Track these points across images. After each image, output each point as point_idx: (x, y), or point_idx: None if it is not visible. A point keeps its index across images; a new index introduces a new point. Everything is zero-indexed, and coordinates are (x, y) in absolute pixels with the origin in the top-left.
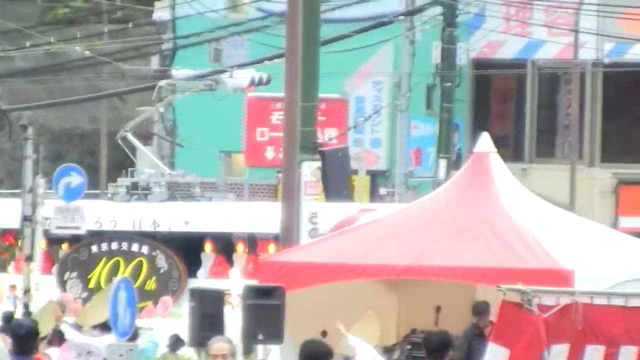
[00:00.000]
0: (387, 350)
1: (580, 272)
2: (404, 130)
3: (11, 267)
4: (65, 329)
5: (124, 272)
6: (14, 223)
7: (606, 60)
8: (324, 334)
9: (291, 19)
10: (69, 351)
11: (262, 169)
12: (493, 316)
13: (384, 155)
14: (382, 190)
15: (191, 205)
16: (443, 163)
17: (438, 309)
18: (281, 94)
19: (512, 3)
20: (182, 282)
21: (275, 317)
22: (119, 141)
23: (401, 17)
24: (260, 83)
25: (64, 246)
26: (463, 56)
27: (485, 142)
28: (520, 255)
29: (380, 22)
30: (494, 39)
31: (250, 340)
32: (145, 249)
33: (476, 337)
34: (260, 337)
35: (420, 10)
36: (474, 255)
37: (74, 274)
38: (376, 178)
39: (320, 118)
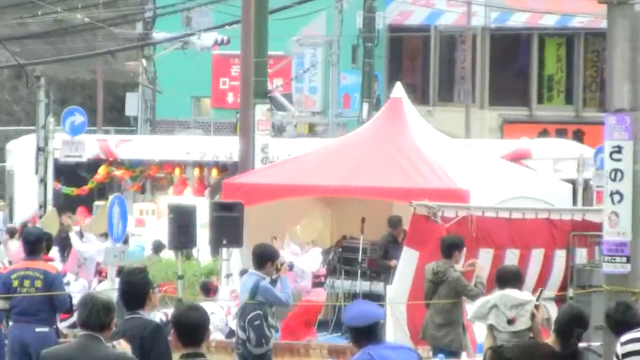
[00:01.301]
0: (325, 252)
1: (475, 191)
2: (335, 80)
3: (170, 190)
4: (72, 237)
5: None
6: (173, 156)
7: (492, 26)
8: (274, 239)
9: None
10: (74, 257)
11: (225, 110)
12: (405, 226)
13: (319, 100)
14: (319, 127)
15: None
16: (366, 106)
17: (363, 220)
18: (239, 52)
19: None
20: None
21: (235, 226)
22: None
23: None
24: (222, 43)
25: (214, 172)
26: (380, 22)
27: (398, 89)
28: (427, 178)
29: None
30: (405, 9)
31: (216, 244)
32: None
33: (391, 243)
34: (224, 242)
35: None
36: (391, 178)
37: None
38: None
39: (269, 70)
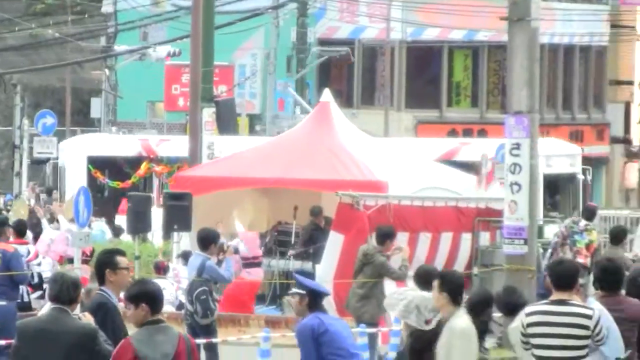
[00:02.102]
0: (262, 236)
1: (392, 182)
2: (272, 86)
3: None
4: (44, 223)
5: None
6: None
7: (408, 40)
8: (219, 224)
9: (195, 11)
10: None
11: (176, 113)
12: (328, 214)
13: (258, 104)
14: (258, 128)
15: None
16: (299, 109)
17: (295, 208)
18: (188, 62)
19: (344, 1)
20: None
21: (185, 213)
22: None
23: (270, 10)
24: (174, 55)
25: None
26: (312, 36)
27: (327, 95)
28: (352, 171)
29: (255, 13)
30: (332, 25)
31: (168, 229)
32: None
33: (314, 230)
34: (175, 227)
35: (282, 5)
36: (320, 171)
37: None
38: (253, 119)
39: (215, 78)
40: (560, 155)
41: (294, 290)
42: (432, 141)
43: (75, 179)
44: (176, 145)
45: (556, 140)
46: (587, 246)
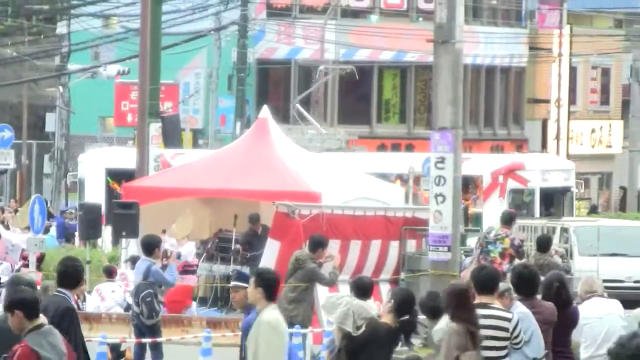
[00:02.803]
0: (204, 242)
1: (325, 193)
2: (214, 103)
3: None
4: (1, 229)
5: None
6: None
7: (341, 60)
8: (164, 231)
9: (143, 32)
10: (2, 245)
11: (125, 128)
12: (266, 222)
13: (201, 119)
14: (200, 142)
15: None
16: (239, 124)
17: (235, 217)
18: (137, 80)
19: (281, 24)
20: None
21: (133, 221)
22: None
23: (212, 32)
24: (123, 73)
25: None
26: (251, 57)
27: (265, 111)
28: (288, 182)
29: (199, 35)
30: (270, 46)
31: (118, 235)
32: None
33: (252, 236)
34: (124, 233)
35: (224, 27)
36: (258, 182)
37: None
38: (197, 134)
39: (161, 95)
40: (556, 170)
41: (236, 283)
42: (363, 155)
43: (94, 191)
44: (189, 158)
45: (552, 156)
46: (502, 254)
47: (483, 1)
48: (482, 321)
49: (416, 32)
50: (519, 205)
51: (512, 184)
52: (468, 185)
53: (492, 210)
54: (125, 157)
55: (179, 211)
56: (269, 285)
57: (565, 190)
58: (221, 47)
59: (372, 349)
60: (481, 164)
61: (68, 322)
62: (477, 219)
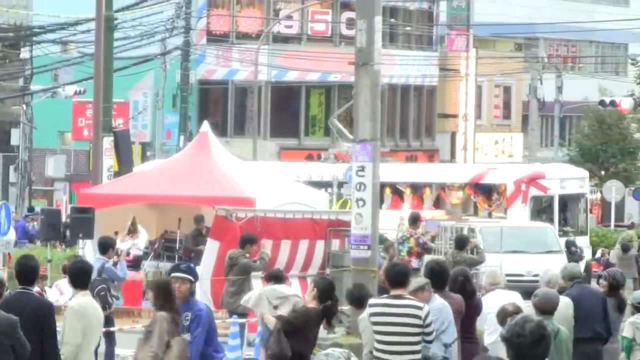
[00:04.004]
0: (152, 243)
1: (259, 198)
2: (161, 119)
3: None
4: None
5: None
6: None
7: (273, 80)
8: (116, 233)
9: (97, 56)
10: None
11: (82, 142)
12: (208, 223)
13: (149, 133)
14: (148, 154)
15: None
16: (182, 138)
17: (179, 219)
18: (92, 99)
19: (219, 49)
20: None
21: (89, 224)
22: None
23: (159, 56)
24: (80, 93)
25: None
26: (193, 78)
27: (205, 126)
28: (226, 189)
29: (147, 59)
30: (210, 68)
31: (75, 237)
32: None
33: (197, 236)
34: (80, 235)
35: (169, 52)
36: (199, 189)
37: None
38: (145, 146)
39: (113, 112)
40: (572, 179)
41: (184, 275)
42: (293, 164)
43: None
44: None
45: (568, 166)
46: (409, 252)
47: (398, 28)
48: (396, 310)
49: (339, 55)
50: (540, 210)
51: (533, 191)
52: (492, 192)
53: (515, 215)
54: None
55: (128, 215)
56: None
57: (580, 197)
58: (166, 69)
59: (305, 329)
60: (505, 173)
61: (53, 317)
62: None
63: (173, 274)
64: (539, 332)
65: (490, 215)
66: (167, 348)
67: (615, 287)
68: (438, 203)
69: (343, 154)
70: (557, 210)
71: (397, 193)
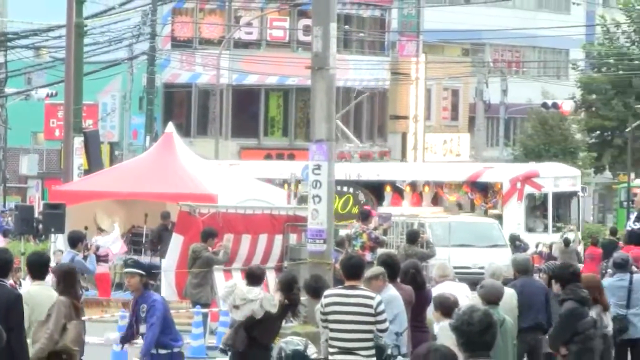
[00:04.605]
0: (122, 236)
1: (221, 195)
2: (128, 120)
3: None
4: None
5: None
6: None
7: (234, 84)
8: (86, 228)
9: (68, 61)
10: None
11: (54, 141)
12: (173, 219)
13: (117, 134)
14: (116, 153)
15: None
16: (148, 138)
17: (146, 215)
18: (63, 101)
19: (183, 54)
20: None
21: (60, 219)
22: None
23: (126, 61)
24: (52, 95)
25: (299, 187)
26: (159, 81)
27: (170, 127)
28: (189, 186)
29: (115, 63)
30: (175, 72)
31: (47, 231)
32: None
33: (163, 230)
34: (52, 230)
35: (135, 57)
36: (165, 186)
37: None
38: (113, 146)
39: (83, 114)
40: (565, 177)
41: (133, 270)
42: (253, 163)
43: None
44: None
45: (562, 165)
46: (362, 247)
47: (352, 34)
48: (350, 300)
49: (296, 60)
50: (534, 207)
51: (528, 189)
52: (488, 190)
53: (511, 211)
54: None
55: (98, 211)
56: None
57: (573, 194)
58: (133, 73)
59: (267, 321)
60: (501, 172)
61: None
62: (497, 220)
63: (124, 270)
64: (487, 320)
65: (486, 212)
66: (63, 331)
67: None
68: (436, 200)
69: (345, 153)
70: (551, 207)
71: (397, 191)
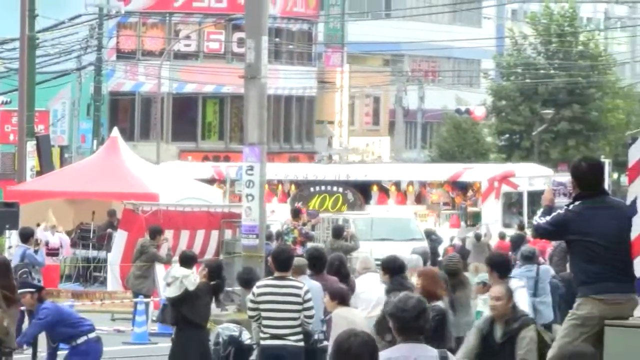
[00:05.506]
0: (69, 233)
1: (162, 194)
2: (77, 125)
3: None
4: None
5: (328, 203)
6: None
7: (174, 92)
8: (38, 225)
9: (21, 71)
10: None
11: (8, 145)
12: (119, 216)
13: (67, 138)
14: (66, 155)
15: None
16: (95, 142)
17: (93, 213)
18: (17, 108)
19: (128, 65)
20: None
21: (14, 217)
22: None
23: (75, 71)
24: (7, 103)
25: (293, 187)
26: (105, 89)
27: (115, 131)
28: (133, 186)
29: (64, 73)
30: (120, 81)
31: (2, 228)
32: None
33: (108, 227)
34: (7, 226)
35: (84, 67)
36: (110, 186)
37: (300, 203)
38: (63, 149)
39: (36, 120)
40: (539, 177)
41: (23, 290)
42: (193, 164)
43: None
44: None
45: (536, 165)
46: (294, 241)
47: (282, 46)
48: (280, 290)
49: (231, 70)
50: (511, 204)
51: (505, 188)
52: (468, 189)
53: (489, 209)
54: (188, 169)
55: (48, 209)
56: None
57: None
58: (81, 82)
59: (191, 299)
60: (480, 172)
61: None
62: (476, 217)
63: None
64: (420, 306)
65: (466, 209)
66: None
67: (454, 271)
68: (420, 199)
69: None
70: (526, 204)
71: (383, 190)
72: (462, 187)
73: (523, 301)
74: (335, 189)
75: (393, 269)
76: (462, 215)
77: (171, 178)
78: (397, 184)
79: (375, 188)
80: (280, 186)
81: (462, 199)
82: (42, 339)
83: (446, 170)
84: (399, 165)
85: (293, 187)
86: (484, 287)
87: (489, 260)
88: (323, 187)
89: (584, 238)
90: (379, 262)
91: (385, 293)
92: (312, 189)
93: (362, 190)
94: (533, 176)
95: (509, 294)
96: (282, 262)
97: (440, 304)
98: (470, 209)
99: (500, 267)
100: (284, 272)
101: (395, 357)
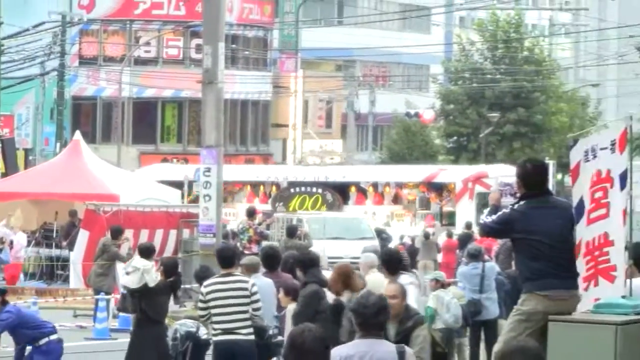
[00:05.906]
0: (33, 232)
1: (123, 195)
2: (40, 129)
3: (244, 199)
4: None
5: (308, 204)
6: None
7: (134, 96)
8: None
9: None
10: None
11: None
12: (80, 216)
13: (31, 141)
14: (30, 158)
15: None
16: (58, 145)
17: (56, 213)
18: None
19: (90, 70)
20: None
21: None
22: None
23: (39, 76)
24: None
25: (274, 188)
26: (68, 94)
27: (77, 135)
28: (94, 187)
29: (29, 79)
30: (82, 86)
31: None
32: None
33: (71, 226)
34: None
35: (47, 73)
36: (73, 187)
37: (281, 203)
38: (27, 152)
39: (1, 124)
40: (510, 176)
41: None
42: (153, 166)
43: None
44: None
45: (507, 166)
46: (249, 240)
47: (239, 52)
48: (228, 286)
49: (190, 75)
50: (484, 204)
51: (478, 188)
52: (443, 190)
53: (463, 208)
54: (173, 171)
55: (13, 209)
56: None
57: (514, 193)
58: (45, 87)
59: (149, 294)
60: (454, 173)
61: None
62: (451, 216)
63: None
64: (380, 303)
65: (441, 209)
66: None
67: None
68: (396, 199)
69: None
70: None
71: (361, 191)
72: (437, 188)
73: (412, 298)
74: (314, 190)
75: (307, 262)
76: (437, 215)
77: (131, 179)
78: (375, 185)
79: (353, 189)
80: (262, 187)
81: (437, 199)
82: (6, 337)
83: (422, 172)
84: (377, 167)
85: (274, 188)
86: (437, 283)
87: (381, 256)
88: (303, 188)
89: (528, 236)
90: (331, 260)
91: (302, 286)
92: (292, 190)
93: (341, 191)
94: (505, 176)
95: (404, 292)
96: (225, 259)
97: (342, 298)
98: (445, 209)
99: (390, 263)
100: (229, 269)
101: (353, 353)
